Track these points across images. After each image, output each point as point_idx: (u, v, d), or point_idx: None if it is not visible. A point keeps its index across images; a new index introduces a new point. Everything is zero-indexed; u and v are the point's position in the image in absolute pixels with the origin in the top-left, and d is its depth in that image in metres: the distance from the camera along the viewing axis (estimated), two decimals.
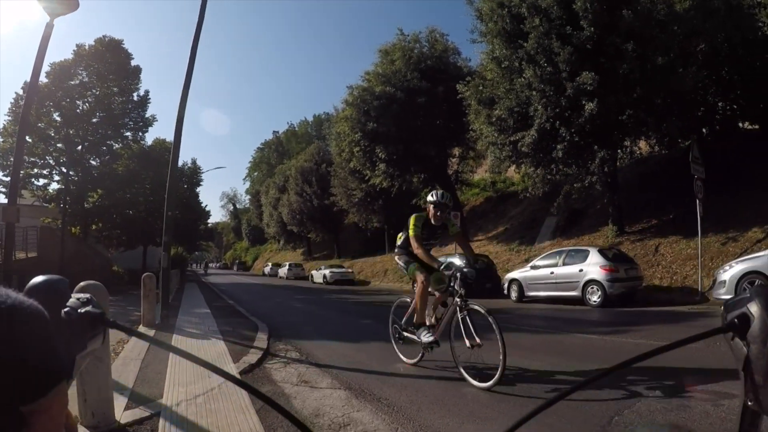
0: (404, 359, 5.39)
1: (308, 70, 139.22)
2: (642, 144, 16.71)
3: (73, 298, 0.52)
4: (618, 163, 16.57)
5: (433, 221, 5.07)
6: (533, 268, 13.72)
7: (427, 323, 4.99)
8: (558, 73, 14.31)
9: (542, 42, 14.49)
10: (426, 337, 4.86)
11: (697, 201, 12.04)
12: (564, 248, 14.07)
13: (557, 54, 14.17)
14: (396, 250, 5.43)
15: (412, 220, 5.04)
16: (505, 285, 14.61)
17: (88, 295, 0.54)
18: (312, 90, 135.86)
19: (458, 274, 4.51)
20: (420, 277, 4.92)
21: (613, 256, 12.15)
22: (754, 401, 0.56)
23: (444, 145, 25.81)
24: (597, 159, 14.75)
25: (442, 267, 4.60)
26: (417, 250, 4.90)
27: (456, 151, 27.66)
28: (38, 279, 0.51)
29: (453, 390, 4.30)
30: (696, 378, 4.45)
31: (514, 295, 14.12)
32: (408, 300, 5.40)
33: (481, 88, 17.97)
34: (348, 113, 26.16)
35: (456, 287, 4.54)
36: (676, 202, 15.48)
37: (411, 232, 4.99)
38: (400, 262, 5.30)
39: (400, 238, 5.35)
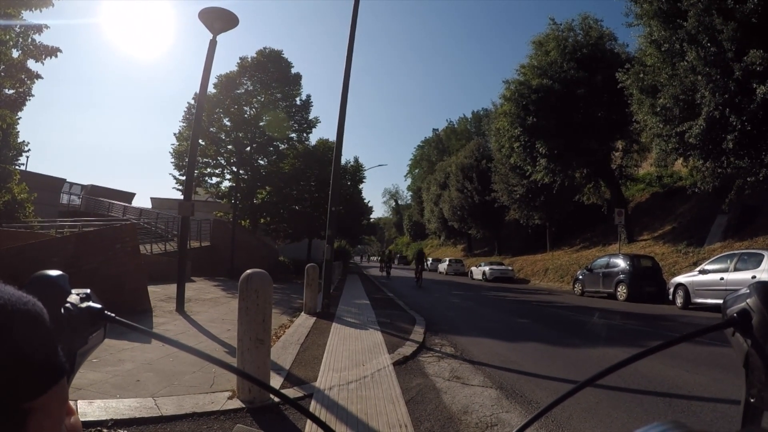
0: None
1: (466, 67, 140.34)
2: None
3: (73, 294, 0.51)
4: None
5: None
6: (702, 272, 12.62)
7: None
8: (723, 53, 12.77)
9: (703, 19, 13.08)
10: None
11: None
12: (736, 251, 12.52)
13: (720, 32, 12.70)
14: None
15: None
16: (671, 290, 13.73)
17: (87, 291, 0.53)
18: (470, 87, 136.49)
19: None
20: None
21: None
22: (756, 397, 0.55)
23: (606, 138, 24.19)
24: None
25: None
26: None
27: (619, 144, 25.82)
28: (38, 274, 0.49)
29: (608, 401, 4.09)
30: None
31: (679, 301, 13.17)
32: None
33: (642, 75, 16.80)
34: (506, 108, 26.19)
35: None
36: None
37: None
38: None
39: None
